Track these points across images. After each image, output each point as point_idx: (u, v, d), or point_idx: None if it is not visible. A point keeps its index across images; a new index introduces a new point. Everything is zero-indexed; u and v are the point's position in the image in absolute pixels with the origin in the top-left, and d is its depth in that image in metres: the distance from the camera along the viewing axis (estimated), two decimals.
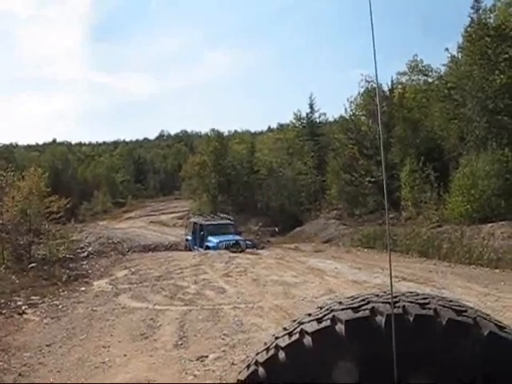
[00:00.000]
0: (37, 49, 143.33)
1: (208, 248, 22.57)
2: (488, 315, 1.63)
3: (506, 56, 20.66)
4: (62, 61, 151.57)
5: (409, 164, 23.36)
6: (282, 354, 1.57)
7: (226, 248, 21.91)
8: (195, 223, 25.50)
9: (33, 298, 12.27)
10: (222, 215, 27.98)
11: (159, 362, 7.04)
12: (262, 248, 23.77)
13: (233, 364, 6.76)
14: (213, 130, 42.22)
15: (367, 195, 27.18)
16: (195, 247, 23.69)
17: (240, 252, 21.39)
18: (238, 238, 23.44)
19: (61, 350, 7.87)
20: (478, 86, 21.35)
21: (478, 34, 22.10)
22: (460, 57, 24.87)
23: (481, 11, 26.04)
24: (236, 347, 7.49)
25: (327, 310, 1.64)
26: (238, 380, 1.68)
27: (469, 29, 24.25)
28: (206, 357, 7.13)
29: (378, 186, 25.59)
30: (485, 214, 18.49)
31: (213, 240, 22.86)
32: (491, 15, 25.96)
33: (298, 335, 1.58)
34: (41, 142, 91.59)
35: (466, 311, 1.57)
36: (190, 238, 25.49)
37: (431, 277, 13.13)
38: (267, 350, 1.63)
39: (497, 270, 14.19)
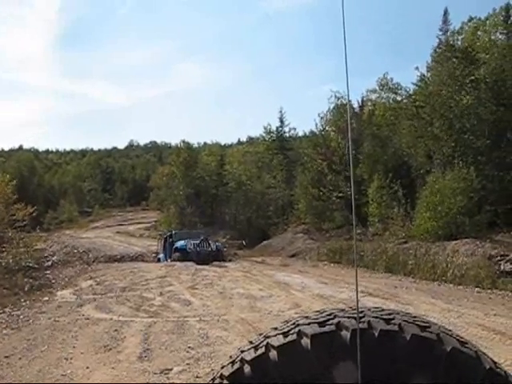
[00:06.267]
0: (3, 53, 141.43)
1: (177, 250, 22.32)
2: (451, 331, 1.66)
3: (472, 78, 21.19)
4: (29, 66, 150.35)
5: (376, 180, 23.67)
6: (247, 368, 1.56)
7: (195, 247, 21.72)
8: (166, 238, 25.17)
9: None
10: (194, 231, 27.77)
11: (122, 374, 6.92)
12: (229, 261, 23.67)
13: (197, 377, 6.68)
14: (183, 141, 42.06)
15: (335, 210, 27.40)
16: (164, 261, 23.18)
17: (211, 259, 21.30)
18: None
19: (20, 362, 7.67)
20: (445, 106, 21.81)
21: (445, 56, 22.63)
22: (429, 76, 25.39)
23: (449, 33, 26.81)
24: (201, 360, 7.41)
25: (293, 324, 1.64)
26: None
27: (437, 49, 24.85)
28: (171, 370, 7.04)
29: (345, 202, 25.84)
30: (450, 231, 18.79)
31: (181, 242, 22.63)
32: (459, 37, 26.71)
33: (263, 349, 1.58)
34: (7, 148, 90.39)
35: (429, 327, 1.59)
36: (161, 255, 24.57)
37: (396, 292, 13.25)
38: (232, 363, 1.62)
39: (460, 287, 14.39)
